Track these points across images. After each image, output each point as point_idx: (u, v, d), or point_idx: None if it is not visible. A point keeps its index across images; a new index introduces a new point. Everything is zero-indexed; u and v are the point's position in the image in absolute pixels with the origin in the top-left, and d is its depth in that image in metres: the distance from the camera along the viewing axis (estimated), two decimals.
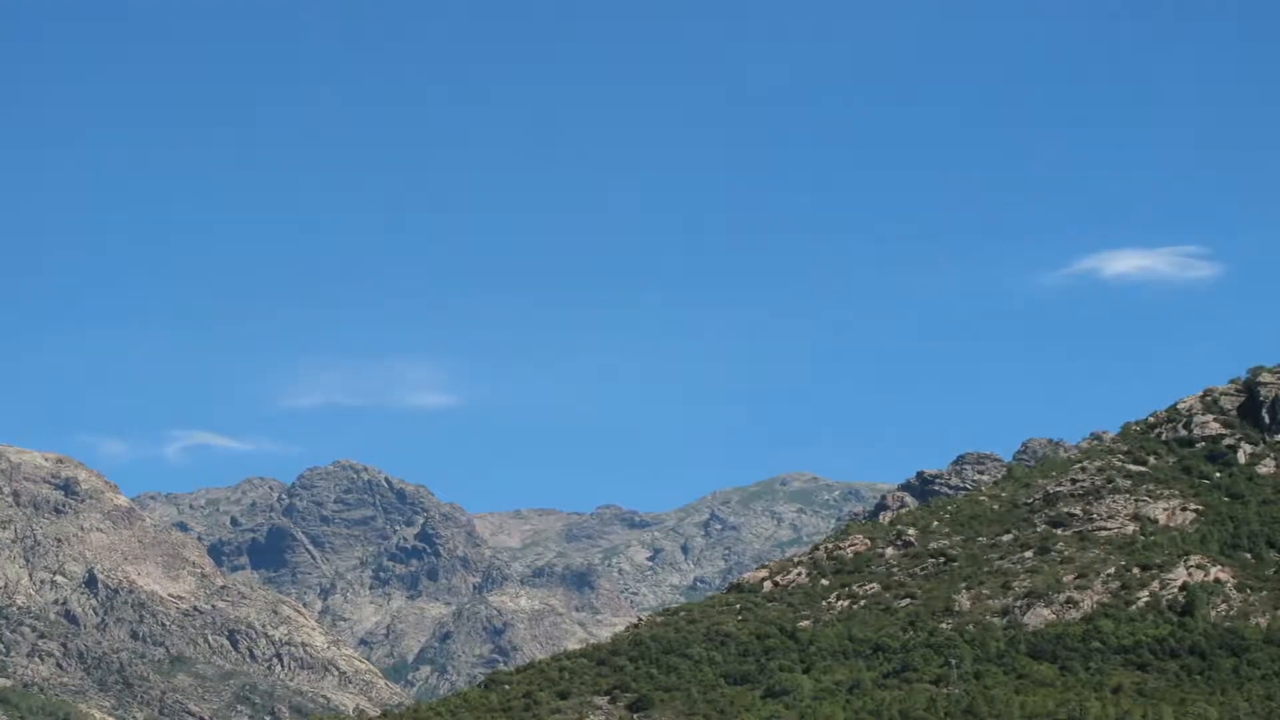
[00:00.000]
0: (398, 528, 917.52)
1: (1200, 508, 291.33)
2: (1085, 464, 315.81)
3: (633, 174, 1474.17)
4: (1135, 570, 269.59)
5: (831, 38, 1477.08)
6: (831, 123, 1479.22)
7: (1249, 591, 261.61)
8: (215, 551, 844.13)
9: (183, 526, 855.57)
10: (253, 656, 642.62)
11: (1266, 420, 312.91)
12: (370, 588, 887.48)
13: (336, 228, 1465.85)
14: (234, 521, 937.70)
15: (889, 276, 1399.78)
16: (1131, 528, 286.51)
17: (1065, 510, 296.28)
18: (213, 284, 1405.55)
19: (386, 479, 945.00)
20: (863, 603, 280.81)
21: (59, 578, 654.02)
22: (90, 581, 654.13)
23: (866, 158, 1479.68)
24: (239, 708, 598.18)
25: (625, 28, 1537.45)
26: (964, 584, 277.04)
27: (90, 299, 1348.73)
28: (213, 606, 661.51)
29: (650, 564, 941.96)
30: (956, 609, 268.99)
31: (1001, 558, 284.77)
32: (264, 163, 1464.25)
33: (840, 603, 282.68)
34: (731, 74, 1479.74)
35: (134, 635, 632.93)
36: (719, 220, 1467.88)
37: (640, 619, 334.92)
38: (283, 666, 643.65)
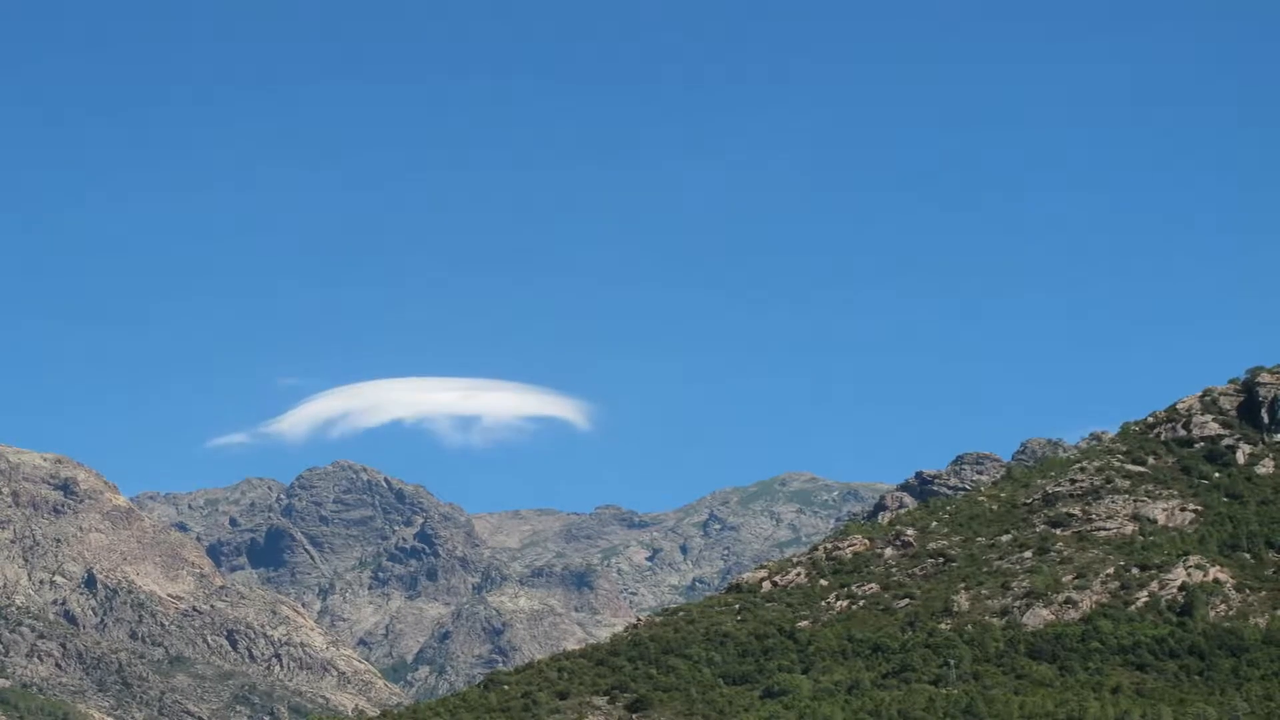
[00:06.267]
0: (396, 528, 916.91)
1: (1199, 508, 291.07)
2: (1084, 464, 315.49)
3: (631, 175, 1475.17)
4: (1134, 570, 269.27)
5: None
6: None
7: (1248, 592, 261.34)
8: (214, 552, 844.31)
9: (182, 527, 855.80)
10: (251, 657, 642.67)
11: (1265, 420, 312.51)
12: (369, 588, 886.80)
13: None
14: (233, 522, 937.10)
15: (888, 275, 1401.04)
16: (1130, 528, 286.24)
17: (1064, 510, 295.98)
18: None
19: (385, 479, 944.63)
20: (861, 603, 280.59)
21: (58, 578, 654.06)
22: (89, 582, 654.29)
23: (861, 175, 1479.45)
24: (238, 708, 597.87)
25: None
26: (963, 584, 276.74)
27: None
28: (211, 607, 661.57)
29: (649, 564, 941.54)
30: (955, 609, 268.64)
31: (1000, 558, 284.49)
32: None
33: (839, 603, 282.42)
34: None
35: (133, 635, 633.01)
36: (721, 224, 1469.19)
37: (639, 619, 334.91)
38: (282, 667, 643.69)
